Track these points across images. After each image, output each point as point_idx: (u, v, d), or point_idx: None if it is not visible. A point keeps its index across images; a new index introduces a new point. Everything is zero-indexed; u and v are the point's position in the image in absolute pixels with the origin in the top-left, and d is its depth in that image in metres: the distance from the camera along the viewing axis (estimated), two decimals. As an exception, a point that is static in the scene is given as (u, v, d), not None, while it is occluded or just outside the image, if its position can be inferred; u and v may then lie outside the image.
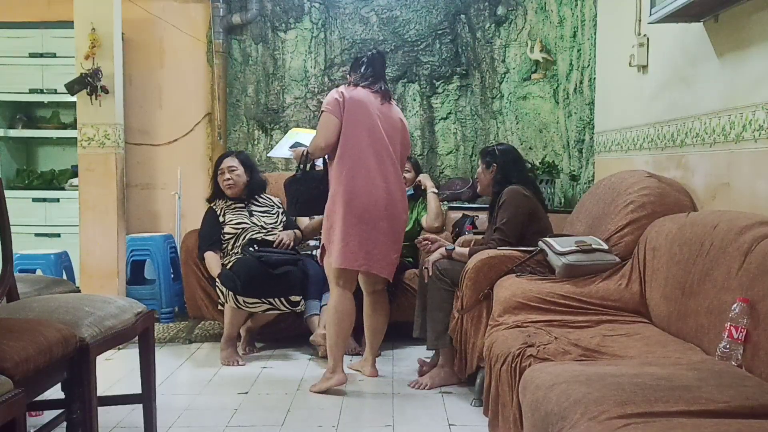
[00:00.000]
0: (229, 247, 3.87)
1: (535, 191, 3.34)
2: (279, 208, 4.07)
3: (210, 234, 3.90)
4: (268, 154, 4.13)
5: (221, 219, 3.91)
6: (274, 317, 3.84)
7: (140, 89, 4.93)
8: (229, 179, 3.92)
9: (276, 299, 3.67)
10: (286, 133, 4.42)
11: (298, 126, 4.76)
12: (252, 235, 3.88)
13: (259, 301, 3.65)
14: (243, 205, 3.98)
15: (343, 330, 3.24)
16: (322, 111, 3.23)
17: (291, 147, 3.67)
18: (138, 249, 4.53)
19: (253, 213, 3.97)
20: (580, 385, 1.71)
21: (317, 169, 3.41)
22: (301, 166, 3.37)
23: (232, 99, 4.96)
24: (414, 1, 4.89)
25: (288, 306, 3.69)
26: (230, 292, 3.64)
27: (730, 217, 2.26)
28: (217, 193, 4.02)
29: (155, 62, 4.95)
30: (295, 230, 4.03)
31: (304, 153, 3.36)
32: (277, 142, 4.54)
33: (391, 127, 3.29)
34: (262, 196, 4.07)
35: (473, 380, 3.06)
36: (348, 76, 3.44)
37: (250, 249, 3.78)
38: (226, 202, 3.98)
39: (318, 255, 3.42)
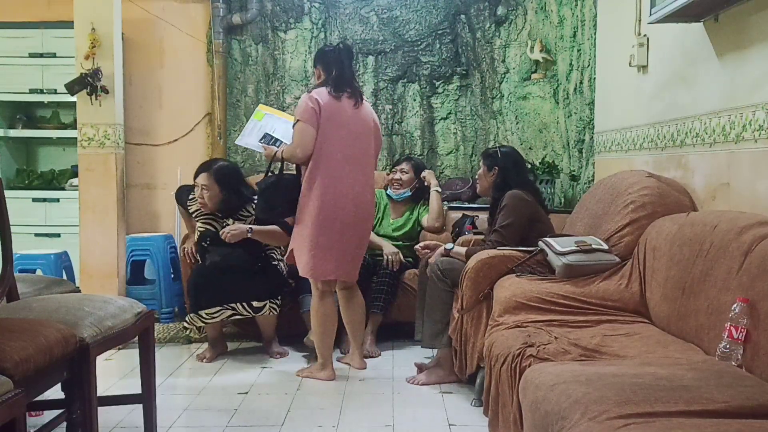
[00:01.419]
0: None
1: (535, 194, 3.35)
2: (251, 216, 3.76)
3: (182, 198, 3.96)
4: (236, 142, 3.77)
5: (194, 217, 3.84)
6: (275, 321, 3.80)
7: (140, 89, 4.93)
8: (201, 198, 3.70)
9: (237, 304, 3.62)
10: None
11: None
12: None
13: (220, 308, 3.61)
14: (222, 216, 3.77)
15: (328, 329, 3.36)
16: (297, 120, 3.22)
17: (261, 140, 3.57)
18: (138, 249, 4.52)
19: (225, 225, 3.71)
20: (580, 385, 1.71)
21: (287, 171, 3.43)
22: (273, 169, 3.37)
23: (232, 99, 4.95)
24: (414, 1, 4.89)
25: (251, 311, 3.65)
26: (195, 315, 3.64)
27: (730, 217, 2.26)
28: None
29: (155, 62, 4.95)
30: (250, 230, 3.66)
31: (277, 154, 3.34)
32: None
33: (365, 130, 3.34)
34: (246, 209, 3.76)
35: (473, 380, 3.06)
36: (315, 69, 3.41)
37: (203, 244, 3.71)
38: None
39: (286, 256, 3.44)
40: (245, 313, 3.65)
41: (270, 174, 3.40)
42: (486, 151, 3.53)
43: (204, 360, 3.70)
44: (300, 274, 3.34)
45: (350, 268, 3.37)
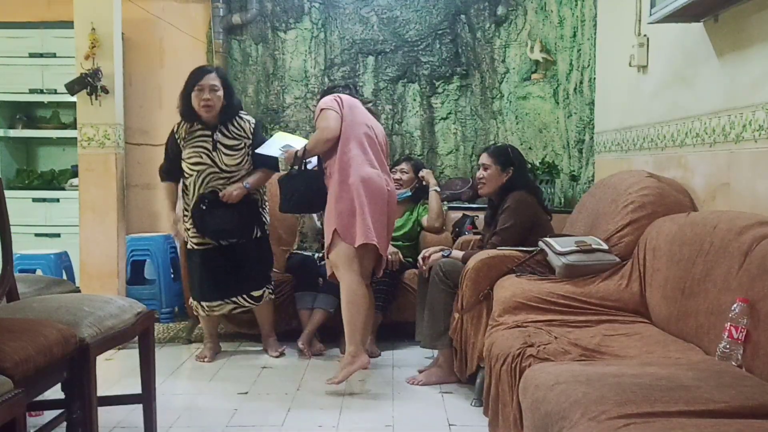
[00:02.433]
0: (190, 192, 3.63)
1: (538, 198, 3.35)
2: (248, 139, 3.65)
3: (168, 165, 3.72)
4: (257, 151, 3.65)
5: (181, 146, 3.63)
6: (272, 310, 3.83)
7: (140, 89, 4.93)
8: (208, 99, 3.52)
9: (238, 297, 3.66)
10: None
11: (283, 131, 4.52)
12: (210, 180, 3.59)
13: (222, 302, 3.66)
14: (209, 133, 3.60)
15: (362, 313, 3.23)
16: (321, 109, 3.29)
17: (282, 148, 3.52)
18: (138, 249, 4.52)
19: (218, 146, 3.59)
20: (580, 385, 1.71)
21: (311, 168, 3.41)
22: (295, 167, 3.34)
23: (232, 99, 4.95)
24: (414, 1, 4.89)
25: (251, 301, 3.68)
26: (196, 303, 3.68)
27: (730, 217, 2.26)
28: (187, 113, 3.61)
29: (155, 62, 4.95)
30: (246, 184, 3.62)
31: (298, 153, 3.33)
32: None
33: (379, 135, 3.43)
34: (234, 121, 3.65)
35: (473, 380, 3.06)
36: (317, 108, 3.42)
37: (201, 206, 3.58)
38: (189, 128, 3.62)
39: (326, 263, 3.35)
40: (246, 304, 3.68)
41: (292, 169, 3.37)
42: (495, 149, 3.40)
43: (205, 360, 3.70)
44: (354, 244, 3.18)
45: (386, 245, 3.38)
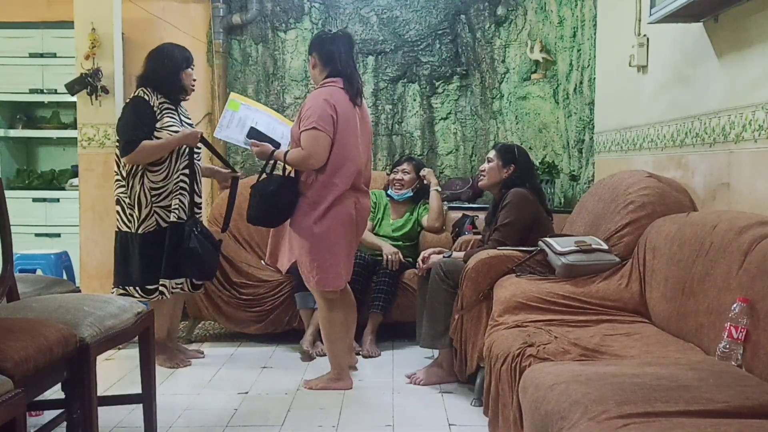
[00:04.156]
0: (172, 163, 3.41)
1: (540, 198, 3.35)
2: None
3: (148, 125, 3.34)
4: (216, 135, 3.45)
5: (157, 116, 3.39)
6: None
7: (140, 89, 4.93)
8: (195, 80, 3.56)
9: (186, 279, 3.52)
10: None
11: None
12: (190, 151, 3.45)
13: (183, 279, 3.49)
14: (174, 108, 3.49)
15: (342, 336, 3.25)
16: (314, 127, 2.98)
17: (248, 136, 3.28)
18: (138, 249, 4.52)
19: (183, 122, 3.51)
20: (580, 385, 1.71)
21: (277, 171, 3.22)
22: (268, 168, 3.17)
23: (232, 99, 4.95)
24: (414, 1, 4.89)
25: (190, 288, 3.57)
26: (160, 285, 3.40)
27: (730, 217, 2.26)
28: (172, 88, 3.46)
29: (155, 62, 4.94)
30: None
31: (276, 155, 3.15)
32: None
33: (364, 128, 3.22)
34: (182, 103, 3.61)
35: (473, 380, 3.06)
36: (310, 56, 3.19)
37: (194, 230, 3.37)
38: (158, 98, 3.42)
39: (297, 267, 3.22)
40: (186, 289, 3.53)
41: (266, 175, 3.16)
42: (503, 146, 3.46)
43: (182, 365, 3.57)
44: (320, 288, 3.15)
45: (350, 269, 3.29)
